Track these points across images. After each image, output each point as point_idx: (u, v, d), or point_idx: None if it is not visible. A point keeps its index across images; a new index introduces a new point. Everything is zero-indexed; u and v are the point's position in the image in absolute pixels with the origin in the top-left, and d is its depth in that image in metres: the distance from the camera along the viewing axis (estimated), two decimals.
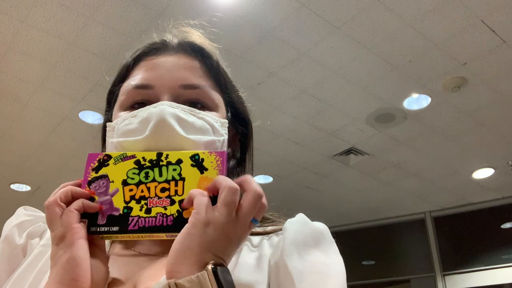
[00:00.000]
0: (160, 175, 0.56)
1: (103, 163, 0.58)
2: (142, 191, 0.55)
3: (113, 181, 0.57)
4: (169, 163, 0.57)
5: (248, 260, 0.62)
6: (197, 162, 0.56)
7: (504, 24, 2.86)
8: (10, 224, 0.70)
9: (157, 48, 0.72)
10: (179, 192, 0.54)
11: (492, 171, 4.77)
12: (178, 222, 0.53)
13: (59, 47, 2.99)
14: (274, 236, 0.66)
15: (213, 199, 0.53)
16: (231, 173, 0.72)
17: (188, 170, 0.56)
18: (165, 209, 0.54)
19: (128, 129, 0.64)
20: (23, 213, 0.72)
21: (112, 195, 0.56)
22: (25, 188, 5.13)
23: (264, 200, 0.54)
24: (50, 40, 2.93)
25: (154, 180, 0.56)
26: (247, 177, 0.55)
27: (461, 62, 3.20)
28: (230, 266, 0.60)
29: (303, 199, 5.45)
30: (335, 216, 5.89)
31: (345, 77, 3.36)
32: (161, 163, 0.57)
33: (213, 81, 0.72)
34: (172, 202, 0.54)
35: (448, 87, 3.43)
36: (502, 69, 3.27)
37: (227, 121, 0.70)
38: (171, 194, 0.54)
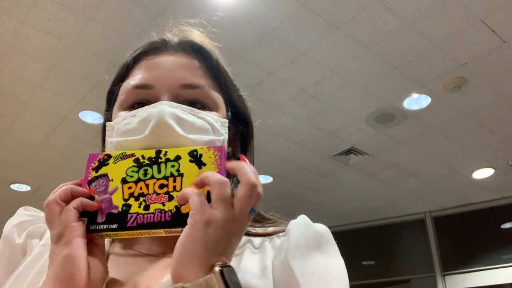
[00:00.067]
0: (159, 172, 0.56)
1: (103, 162, 0.59)
2: (140, 188, 0.55)
3: (112, 180, 0.57)
4: (167, 160, 0.57)
5: (251, 263, 0.61)
6: (195, 158, 0.56)
7: (504, 24, 2.86)
8: (10, 224, 0.70)
9: (157, 48, 0.72)
10: (177, 188, 0.54)
11: (492, 171, 4.77)
12: (177, 218, 0.53)
13: (59, 47, 2.99)
14: (275, 238, 0.66)
15: (208, 198, 0.53)
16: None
17: (186, 166, 0.56)
18: (163, 205, 0.54)
19: (128, 128, 0.64)
20: (23, 213, 0.72)
21: (111, 194, 0.56)
22: (25, 188, 5.13)
23: (259, 188, 0.53)
24: (50, 40, 2.93)
25: (152, 177, 0.56)
26: (240, 166, 0.54)
27: (461, 62, 3.20)
28: None
29: (303, 199, 5.45)
30: (335, 216, 5.89)
31: (345, 77, 3.36)
32: (159, 160, 0.57)
33: (213, 81, 0.71)
34: (171, 198, 0.54)
35: (448, 87, 3.43)
36: (502, 69, 3.27)
37: (227, 120, 0.70)
38: (169, 190, 0.54)
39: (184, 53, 0.71)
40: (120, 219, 0.54)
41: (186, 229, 0.51)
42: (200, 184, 0.54)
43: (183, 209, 0.53)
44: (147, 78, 0.68)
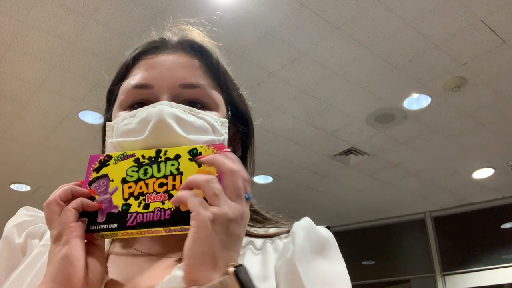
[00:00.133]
0: (159, 171, 0.56)
1: (104, 163, 0.59)
2: (140, 187, 0.55)
3: (112, 180, 0.57)
4: (167, 159, 0.57)
5: (253, 265, 0.61)
6: (195, 156, 0.56)
7: (504, 24, 2.86)
8: (10, 224, 0.70)
9: (157, 47, 0.72)
10: (177, 186, 0.54)
11: (492, 171, 4.78)
12: (176, 216, 0.53)
13: (59, 47, 2.99)
14: (277, 240, 0.66)
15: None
16: None
17: (186, 164, 0.56)
18: (163, 203, 0.54)
19: (127, 129, 0.64)
20: (24, 214, 0.72)
21: (111, 194, 0.56)
22: (25, 188, 5.13)
23: (242, 173, 0.54)
24: (50, 40, 2.93)
25: (152, 176, 0.56)
26: (214, 158, 0.54)
27: (461, 62, 3.20)
28: None
29: (303, 199, 5.45)
30: (335, 216, 5.90)
31: (345, 77, 3.36)
32: (159, 159, 0.57)
33: (213, 80, 0.71)
34: (170, 196, 0.54)
35: (448, 87, 3.43)
36: (502, 69, 3.27)
37: (227, 120, 0.70)
38: (169, 189, 0.54)
39: (184, 52, 0.71)
40: (120, 219, 0.54)
41: (191, 232, 0.50)
42: (187, 188, 0.53)
43: (182, 207, 0.53)
44: (146, 77, 0.67)
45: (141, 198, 0.55)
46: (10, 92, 3.44)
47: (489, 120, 3.89)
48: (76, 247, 0.53)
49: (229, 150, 0.58)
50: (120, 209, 0.55)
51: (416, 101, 3.66)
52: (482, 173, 4.83)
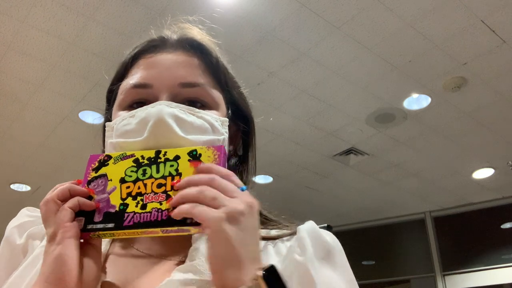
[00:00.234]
0: (158, 171, 0.56)
1: (103, 163, 0.59)
2: (139, 188, 0.55)
3: (111, 180, 0.57)
4: (167, 160, 0.57)
5: None
6: (194, 157, 0.56)
7: (504, 24, 2.86)
8: (11, 225, 0.70)
9: (156, 46, 0.71)
10: (175, 187, 0.54)
11: (492, 171, 4.78)
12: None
13: (59, 47, 2.99)
14: (279, 243, 0.65)
15: None
16: (234, 171, 0.70)
17: (185, 165, 0.56)
18: (160, 204, 0.53)
19: (126, 129, 0.64)
20: (25, 214, 0.72)
21: (109, 193, 0.56)
22: (25, 188, 5.13)
23: (217, 168, 0.54)
24: (50, 40, 2.93)
25: (151, 176, 0.56)
26: (186, 181, 0.54)
27: (461, 62, 3.20)
28: None
29: (303, 199, 5.45)
30: (335, 216, 5.90)
31: (345, 77, 3.36)
32: (159, 160, 0.57)
33: (213, 79, 0.70)
34: (168, 197, 0.53)
35: (448, 87, 3.43)
36: (502, 69, 3.27)
37: (227, 119, 0.69)
38: (167, 189, 0.54)
39: (183, 51, 0.70)
40: (117, 218, 0.54)
41: (209, 239, 0.49)
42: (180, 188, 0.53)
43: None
44: (145, 77, 0.67)
45: (139, 198, 0.54)
46: (10, 92, 3.44)
47: (489, 120, 3.89)
48: (70, 247, 0.53)
49: (223, 148, 0.58)
50: (117, 208, 0.54)
51: (416, 101, 3.66)
52: (482, 173, 4.83)
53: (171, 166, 0.56)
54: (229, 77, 0.74)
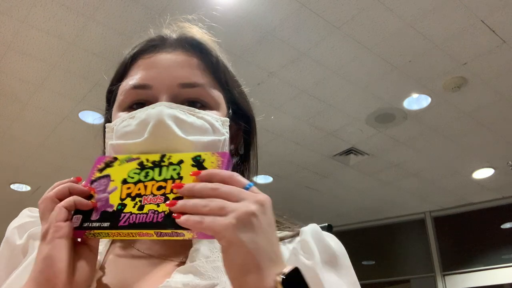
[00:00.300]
0: (160, 174, 0.56)
1: (109, 164, 0.59)
2: (139, 189, 0.55)
3: (113, 180, 0.57)
4: (170, 163, 0.56)
5: None
6: (198, 162, 0.56)
7: (504, 24, 2.86)
8: (12, 225, 0.70)
9: (155, 45, 0.70)
10: (174, 191, 0.53)
11: (492, 171, 4.77)
12: (169, 219, 0.51)
13: (59, 47, 2.99)
14: (281, 245, 0.64)
15: None
16: (236, 170, 0.69)
17: (187, 169, 0.55)
18: (158, 206, 0.53)
19: (126, 131, 0.64)
20: (26, 215, 0.72)
21: (109, 193, 0.56)
22: (25, 188, 5.13)
23: (217, 172, 0.53)
24: (50, 40, 2.93)
25: (152, 179, 0.55)
26: (188, 188, 0.52)
27: (461, 62, 3.20)
28: None
29: (303, 199, 5.45)
30: (335, 216, 5.89)
31: (345, 77, 3.36)
32: (162, 163, 0.57)
33: (213, 78, 0.70)
34: (166, 200, 0.53)
35: (448, 87, 3.43)
36: (502, 69, 3.27)
37: (228, 119, 0.68)
38: (166, 192, 0.54)
39: (183, 50, 0.69)
40: (113, 218, 0.53)
41: (223, 248, 0.48)
42: (192, 196, 0.51)
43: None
44: (145, 78, 0.66)
45: (137, 199, 0.54)
46: (10, 92, 3.44)
47: (489, 120, 3.89)
48: (60, 247, 0.52)
49: (227, 154, 0.57)
50: (115, 208, 0.54)
51: (416, 101, 3.66)
52: (482, 173, 4.83)
53: (174, 169, 0.56)
54: (229, 76, 0.73)
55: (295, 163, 4.61)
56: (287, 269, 0.47)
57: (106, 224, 0.53)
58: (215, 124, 0.66)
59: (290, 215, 0.72)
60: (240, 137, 0.75)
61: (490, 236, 5.40)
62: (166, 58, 0.68)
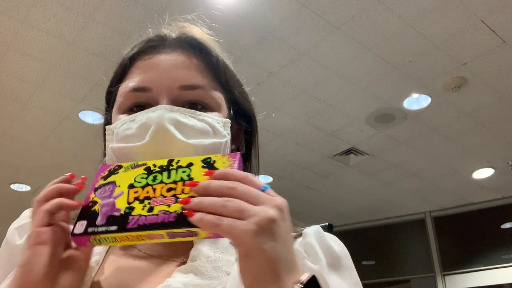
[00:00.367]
0: (169, 177, 0.54)
1: (113, 172, 0.57)
2: (147, 192, 0.53)
3: (119, 186, 0.55)
4: (179, 166, 0.55)
5: None
6: (208, 164, 0.54)
7: (504, 24, 2.86)
8: (12, 226, 0.70)
9: (154, 46, 0.70)
10: (186, 191, 0.51)
11: (492, 171, 4.77)
12: (181, 218, 0.49)
13: (59, 47, 2.99)
14: None
15: None
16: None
17: (198, 171, 0.54)
18: (169, 206, 0.51)
19: (127, 134, 0.63)
20: (27, 216, 0.71)
21: (115, 198, 0.54)
22: (25, 188, 5.13)
23: (232, 172, 0.50)
24: (50, 40, 2.93)
25: (161, 182, 0.54)
26: (205, 185, 0.50)
27: (461, 62, 3.20)
28: (237, 276, 0.59)
29: (303, 199, 5.45)
30: (335, 216, 5.89)
31: (345, 77, 3.36)
32: (171, 167, 0.55)
33: (213, 79, 0.69)
34: (177, 200, 0.51)
35: (448, 87, 3.43)
36: (502, 69, 3.27)
37: (229, 120, 0.68)
38: (176, 193, 0.51)
39: (182, 51, 0.69)
40: (120, 221, 0.51)
41: (242, 258, 0.46)
42: (207, 194, 0.49)
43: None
44: (144, 80, 0.66)
45: (146, 201, 0.52)
46: (10, 92, 3.44)
47: (489, 120, 3.89)
48: (39, 254, 0.50)
49: (238, 155, 0.55)
50: (122, 212, 0.52)
51: (416, 101, 3.66)
52: (482, 173, 4.83)
53: (183, 172, 0.54)
54: (230, 75, 0.72)
55: (295, 163, 4.61)
56: (304, 277, 0.46)
57: (113, 228, 0.51)
58: (216, 126, 0.65)
59: (290, 215, 0.71)
60: (242, 136, 0.75)
61: (490, 236, 5.40)
62: (166, 59, 0.67)
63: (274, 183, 4.94)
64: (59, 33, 2.87)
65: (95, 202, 0.54)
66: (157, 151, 0.60)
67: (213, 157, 0.55)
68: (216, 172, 0.51)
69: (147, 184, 0.54)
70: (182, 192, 0.51)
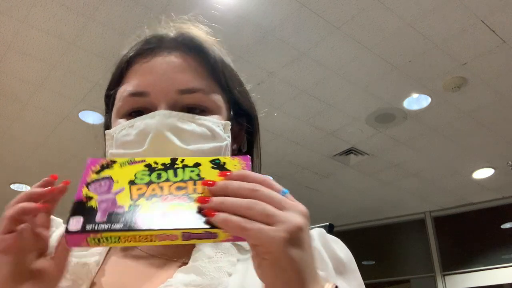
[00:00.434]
0: (176, 175, 0.50)
1: (107, 166, 0.53)
2: (153, 189, 0.49)
3: (117, 181, 0.50)
4: (185, 166, 0.51)
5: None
6: (218, 165, 0.51)
7: (504, 24, 2.86)
8: None
9: (151, 48, 0.68)
10: (198, 190, 0.48)
11: (492, 171, 4.77)
12: (198, 217, 0.45)
13: (59, 47, 2.99)
14: None
15: None
16: None
17: (208, 171, 0.50)
18: (182, 205, 0.47)
19: (126, 140, 0.63)
20: None
21: (115, 194, 0.49)
22: (25, 188, 5.13)
23: (250, 174, 0.48)
24: (50, 40, 2.93)
25: (168, 180, 0.50)
26: (225, 184, 0.46)
27: (461, 62, 3.20)
28: (240, 274, 0.58)
29: (303, 199, 5.35)
30: (335, 216, 5.89)
31: (345, 77, 3.36)
32: (176, 166, 0.52)
33: (212, 80, 0.68)
34: (191, 200, 0.47)
35: (448, 87, 3.43)
36: (502, 69, 3.27)
37: (229, 122, 0.67)
38: (188, 193, 0.48)
39: (180, 53, 0.67)
40: (126, 219, 0.46)
41: (269, 267, 0.43)
42: (224, 194, 0.45)
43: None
44: (142, 84, 0.65)
45: (154, 199, 0.47)
46: (10, 92, 3.44)
47: (489, 120, 3.89)
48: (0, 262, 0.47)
49: (248, 158, 0.53)
50: (126, 209, 0.47)
51: (416, 101, 3.66)
52: (482, 173, 4.83)
53: (192, 171, 0.50)
54: (229, 75, 0.71)
55: (295, 163, 4.61)
56: (328, 287, 0.45)
57: (118, 226, 0.45)
58: (215, 129, 0.64)
59: None
60: (243, 136, 0.74)
61: (490, 236, 5.40)
62: (163, 62, 0.66)
63: None
64: (59, 33, 2.87)
65: (89, 198, 0.48)
66: (157, 157, 0.59)
67: (222, 159, 0.52)
68: (233, 173, 0.48)
69: (151, 182, 0.50)
70: (194, 191, 0.48)
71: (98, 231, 0.45)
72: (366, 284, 0.66)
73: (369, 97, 3.58)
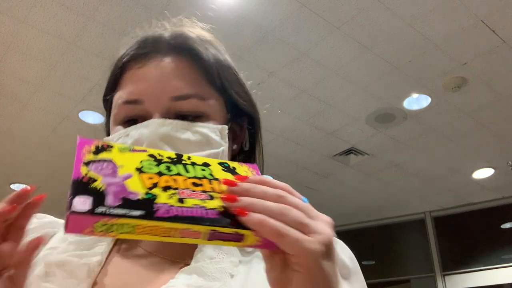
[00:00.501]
0: (187, 171, 0.47)
1: (103, 148, 0.48)
2: (167, 181, 0.45)
3: (122, 166, 0.46)
4: (194, 163, 0.49)
5: (260, 276, 0.55)
6: (228, 169, 0.49)
7: (504, 24, 2.86)
8: None
9: (145, 53, 0.67)
10: (216, 189, 0.45)
11: (492, 171, 4.77)
12: (225, 217, 0.42)
13: (59, 47, 2.99)
14: None
15: None
16: None
17: (220, 173, 0.48)
18: (204, 202, 0.43)
19: None
20: (32, 222, 0.71)
21: (124, 179, 0.44)
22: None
23: (270, 180, 0.46)
24: (50, 40, 2.93)
25: (179, 174, 0.46)
26: (250, 186, 0.45)
27: (461, 62, 3.20)
28: (242, 276, 0.57)
29: None
30: (335, 216, 5.83)
31: (345, 77, 3.36)
32: (183, 162, 0.49)
33: (207, 83, 0.66)
34: (212, 198, 0.44)
35: (448, 87, 3.43)
36: (502, 69, 3.27)
37: (226, 126, 0.66)
38: (207, 190, 0.45)
39: (173, 57, 0.66)
40: (145, 207, 0.41)
41: (300, 276, 0.41)
42: (245, 195, 0.43)
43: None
44: (135, 92, 0.64)
45: (170, 191, 0.43)
46: (10, 92, 3.44)
47: (489, 120, 3.89)
48: None
49: (256, 167, 0.52)
50: (141, 197, 0.42)
51: (416, 101, 3.66)
52: (482, 173, 4.83)
53: (203, 170, 0.48)
54: (225, 76, 0.69)
55: (295, 163, 4.61)
56: None
57: (137, 213, 0.40)
58: (211, 136, 0.63)
59: None
60: (244, 135, 0.73)
61: (490, 236, 5.40)
62: (157, 67, 0.65)
63: None
64: (59, 33, 2.87)
65: (93, 179, 0.42)
66: None
67: (231, 164, 0.50)
68: (252, 177, 0.46)
69: (161, 173, 0.46)
70: (213, 190, 0.45)
71: (112, 215, 0.39)
72: (366, 284, 0.66)
73: (369, 97, 3.58)
